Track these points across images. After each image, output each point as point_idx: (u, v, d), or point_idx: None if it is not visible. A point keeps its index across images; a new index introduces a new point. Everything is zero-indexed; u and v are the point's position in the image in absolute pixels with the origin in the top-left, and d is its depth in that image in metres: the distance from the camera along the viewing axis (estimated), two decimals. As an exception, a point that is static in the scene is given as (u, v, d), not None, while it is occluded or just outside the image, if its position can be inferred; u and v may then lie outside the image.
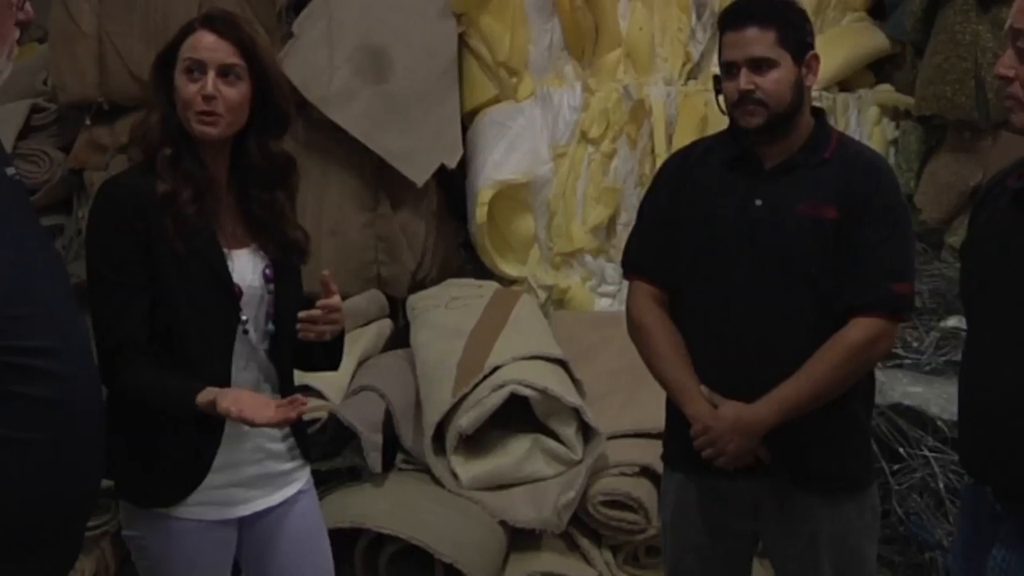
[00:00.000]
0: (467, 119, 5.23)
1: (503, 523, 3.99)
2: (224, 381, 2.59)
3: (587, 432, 4.12)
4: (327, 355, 2.85)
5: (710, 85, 5.13)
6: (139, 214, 2.52)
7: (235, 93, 2.57)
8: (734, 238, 2.88)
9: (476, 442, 4.11)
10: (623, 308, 5.12)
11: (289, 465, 2.82)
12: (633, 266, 3.14)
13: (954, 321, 4.50)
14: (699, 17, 5.32)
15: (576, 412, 4.07)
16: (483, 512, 3.99)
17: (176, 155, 2.57)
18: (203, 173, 2.59)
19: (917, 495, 4.15)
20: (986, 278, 2.51)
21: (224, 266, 2.60)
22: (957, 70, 4.89)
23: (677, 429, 2.98)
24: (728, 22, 2.88)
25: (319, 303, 2.64)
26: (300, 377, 3.43)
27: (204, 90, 2.54)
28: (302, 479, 2.87)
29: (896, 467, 4.15)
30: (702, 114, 5.06)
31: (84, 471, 2.16)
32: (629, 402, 4.35)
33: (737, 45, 2.84)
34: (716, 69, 5.24)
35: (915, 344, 4.43)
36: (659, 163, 5.05)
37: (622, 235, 5.18)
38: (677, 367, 2.96)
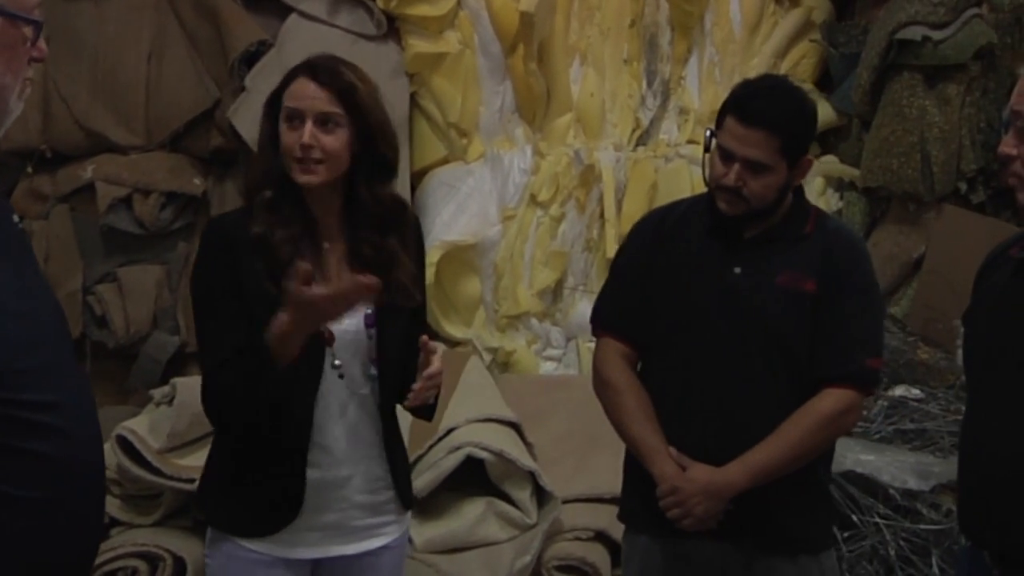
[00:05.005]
0: (416, 179, 5.23)
1: (457, 587, 3.92)
2: (306, 425, 2.59)
3: (541, 496, 4.08)
4: (424, 411, 2.79)
5: (659, 152, 5.24)
6: (230, 252, 2.56)
7: (333, 140, 2.57)
8: (711, 303, 2.88)
9: (429, 505, 4.04)
10: (568, 372, 5.17)
11: (374, 520, 2.74)
12: (603, 322, 3.10)
13: (901, 390, 4.57)
14: (650, 85, 5.39)
15: (531, 476, 4.03)
16: (437, 576, 3.92)
17: (276, 199, 2.58)
18: (302, 217, 2.61)
19: (867, 562, 4.16)
20: (989, 346, 2.55)
21: None
22: (903, 143, 4.98)
23: (639, 489, 2.96)
24: (740, 112, 2.80)
25: (424, 374, 2.60)
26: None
27: (301, 139, 2.54)
28: (390, 535, 2.79)
29: (847, 534, 4.15)
30: (651, 180, 5.10)
31: (85, 530, 2.09)
32: (581, 466, 4.33)
33: (739, 140, 2.78)
34: (665, 136, 5.37)
35: (864, 412, 4.45)
36: (607, 228, 5.11)
37: (568, 299, 5.19)
38: (644, 426, 2.93)
